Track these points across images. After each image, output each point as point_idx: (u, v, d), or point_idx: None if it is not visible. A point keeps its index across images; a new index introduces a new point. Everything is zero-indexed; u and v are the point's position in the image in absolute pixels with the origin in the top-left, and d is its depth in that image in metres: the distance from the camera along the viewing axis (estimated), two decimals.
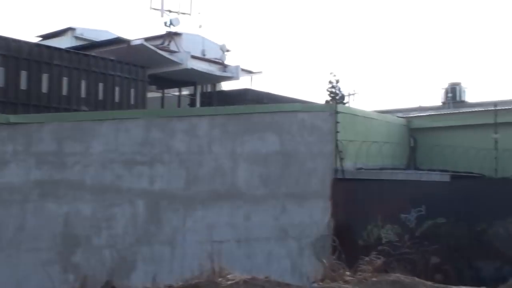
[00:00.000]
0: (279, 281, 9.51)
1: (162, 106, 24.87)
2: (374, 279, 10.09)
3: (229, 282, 8.83)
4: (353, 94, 34.58)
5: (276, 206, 13.87)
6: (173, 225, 12.79)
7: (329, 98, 36.24)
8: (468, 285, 10.52)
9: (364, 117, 16.69)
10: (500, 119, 16.01)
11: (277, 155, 13.95)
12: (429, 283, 10.27)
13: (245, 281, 9.15)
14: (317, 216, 13.94)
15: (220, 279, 8.92)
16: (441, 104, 25.85)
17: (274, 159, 13.93)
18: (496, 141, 15.30)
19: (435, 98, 28.61)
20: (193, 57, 23.88)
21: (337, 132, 13.92)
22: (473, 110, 21.12)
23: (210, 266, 9.28)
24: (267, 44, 69.29)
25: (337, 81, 37.70)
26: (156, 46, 22.81)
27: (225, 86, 28.21)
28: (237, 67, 25.83)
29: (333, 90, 37.72)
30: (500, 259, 13.60)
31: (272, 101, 22.54)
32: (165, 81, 24.67)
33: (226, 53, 25.98)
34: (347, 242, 13.64)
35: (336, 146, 13.96)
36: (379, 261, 11.30)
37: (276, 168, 13.92)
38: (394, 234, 14.00)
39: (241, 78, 26.59)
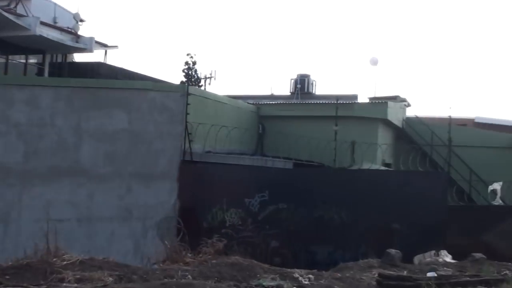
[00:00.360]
0: (118, 262, 9.33)
1: (6, 73, 23.10)
2: (214, 261, 10.26)
3: (64, 263, 8.48)
4: (209, 78, 34.60)
5: (121, 185, 13.58)
6: (7, 200, 12.03)
7: (185, 80, 36.07)
8: (302, 268, 11.08)
9: (215, 101, 16.84)
10: (340, 113, 17.00)
11: (125, 133, 13.64)
12: (266, 265, 10.66)
13: (82, 262, 8.84)
14: (163, 197, 13.84)
15: (54, 259, 8.54)
16: (290, 94, 26.78)
17: (122, 137, 13.60)
18: (336, 133, 16.21)
19: (286, 88, 29.67)
20: (43, 23, 22.36)
21: (187, 113, 13.87)
22: (318, 102, 22.21)
23: (46, 245, 8.86)
24: (125, 18, 67.26)
25: (194, 63, 37.62)
26: (1, 7, 21.06)
27: (78, 58, 26.86)
28: (91, 38, 24.66)
29: (189, 72, 37.59)
30: (333, 244, 14.47)
31: (126, 77, 21.85)
32: (10, 47, 22.86)
33: (80, 23, 24.69)
34: (192, 224, 13.74)
35: (186, 127, 13.92)
36: (220, 244, 11.52)
37: (123, 147, 13.60)
38: (238, 218, 14.31)
39: (95, 51, 25.41)
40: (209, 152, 15.26)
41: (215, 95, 17.93)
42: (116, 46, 27.35)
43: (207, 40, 65.23)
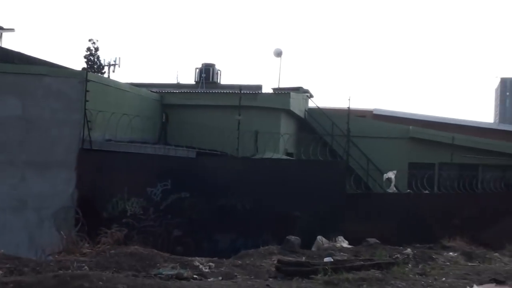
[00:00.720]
0: (9, 254, 8.97)
1: None
2: (112, 251, 10.07)
3: None
4: (113, 65, 33.64)
5: (15, 174, 13.02)
6: None
7: (87, 66, 34.97)
8: (205, 257, 11.10)
9: (117, 88, 16.39)
10: (244, 103, 17.10)
11: (18, 121, 13.09)
12: (166, 254, 10.59)
13: None
14: (61, 186, 13.39)
15: None
16: (195, 83, 26.65)
17: (14, 125, 13.05)
18: (239, 123, 16.30)
19: (192, 77, 29.39)
20: None
21: (86, 101, 13.44)
22: (222, 91, 22.24)
23: None
24: (23, 0, 64.06)
25: (96, 49, 36.53)
26: None
27: None
28: None
29: (92, 58, 36.49)
30: (236, 232, 14.60)
31: (23, 62, 20.66)
32: None
33: None
34: (91, 214, 13.41)
35: (85, 115, 13.50)
36: (119, 234, 11.31)
37: (16, 134, 13.04)
38: (140, 207, 14.12)
39: None
40: (109, 140, 14.88)
41: (116, 82, 17.47)
42: (12, 29, 26.01)
43: (111, 26, 63.61)
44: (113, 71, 33.21)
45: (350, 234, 13.90)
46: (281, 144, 18.05)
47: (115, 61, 33.44)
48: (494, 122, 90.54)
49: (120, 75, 46.00)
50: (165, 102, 19.82)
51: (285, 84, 27.05)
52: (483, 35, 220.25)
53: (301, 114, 22.56)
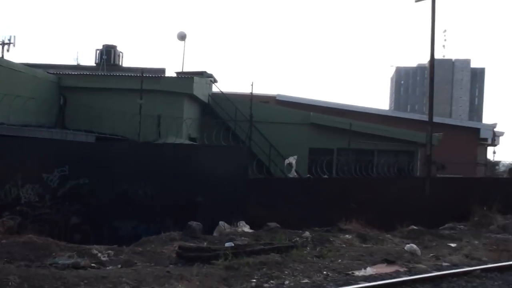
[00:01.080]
0: None
1: None
2: (4, 241, 9.66)
3: None
4: (8, 44, 31.81)
5: None
6: None
7: None
8: (106, 244, 10.85)
9: (9, 68, 15.52)
10: (146, 86, 16.76)
11: None
12: (63, 243, 10.27)
13: None
14: None
15: None
16: (96, 65, 25.83)
17: None
18: (141, 107, 15.97)
19: (92, 59, 28.40)
20: None
21: None
22: (124, 74, 21.69)
23: None
24: None
25: None
26: None
27: None
28: None
29: None
30: (137, 219, 14.33)
31: None
32: None
33: None
34: None
35: None
36: (11, 222, 10.85)
37: None
38: (35, 194, 13.52)
39: None
40: (1, 124, 14.09)
41: (9, 62, 16.52)
42: None
43: (5, 2, 60.09)
44: (7, 51, 31.42)
45: (252, 219, 14.07)
46: (184, 129, 17.92)
47: (9, 40, 31.65)
48: (390, 109, 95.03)
49: (15, 55, 43.63)
50: (63, 84, 19.04)
51: (189, 68, 26.81)
52: (382, 26, 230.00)
53: (205, 99, 22.50)
